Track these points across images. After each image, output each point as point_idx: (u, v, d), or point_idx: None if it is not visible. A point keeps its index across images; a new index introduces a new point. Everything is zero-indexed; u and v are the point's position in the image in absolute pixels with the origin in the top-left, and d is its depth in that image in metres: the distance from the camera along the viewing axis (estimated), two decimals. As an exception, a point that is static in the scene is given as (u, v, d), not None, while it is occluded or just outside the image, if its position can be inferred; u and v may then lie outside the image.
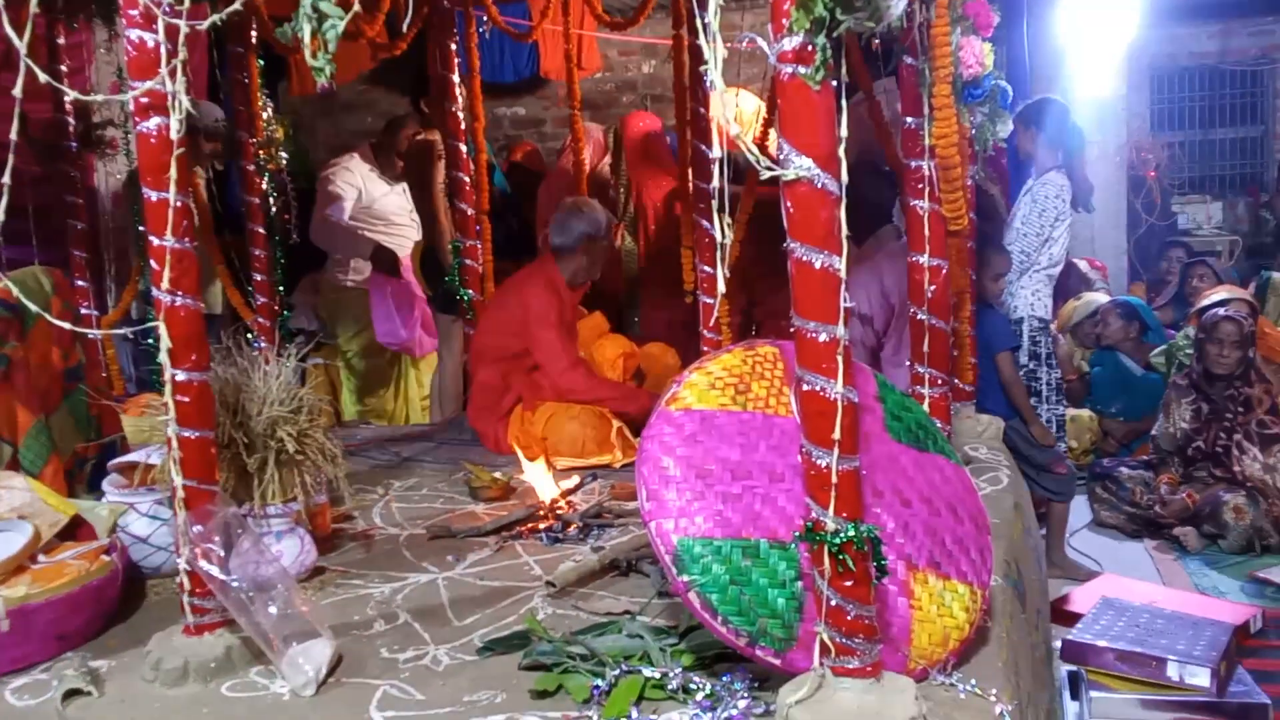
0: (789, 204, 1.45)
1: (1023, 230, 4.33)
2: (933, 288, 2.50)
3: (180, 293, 1.90)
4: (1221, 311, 4.60)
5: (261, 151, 4.01)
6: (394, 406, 5.03)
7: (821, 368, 1.48)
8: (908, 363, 2.75)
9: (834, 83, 1.41)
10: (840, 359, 1.47)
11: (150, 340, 1.92)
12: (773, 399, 1.87)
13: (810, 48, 1.38)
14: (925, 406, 2.57)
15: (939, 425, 2.46)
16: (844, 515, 1.49)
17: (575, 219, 3.68)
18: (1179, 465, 4.59)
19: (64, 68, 3.83)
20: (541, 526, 2.68)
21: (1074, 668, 3.02)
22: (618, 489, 2.99)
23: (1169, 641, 2.95)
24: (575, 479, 3.12)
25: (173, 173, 1.86)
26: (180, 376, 1.89)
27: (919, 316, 2.55)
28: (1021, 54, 5.02)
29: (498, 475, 3.07)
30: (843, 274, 1.46)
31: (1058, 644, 3.06)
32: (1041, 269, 4.35)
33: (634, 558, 2.34)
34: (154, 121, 1.85)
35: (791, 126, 1.43)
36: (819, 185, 1.43)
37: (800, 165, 1.42)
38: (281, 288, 4.03)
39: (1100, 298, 5.89)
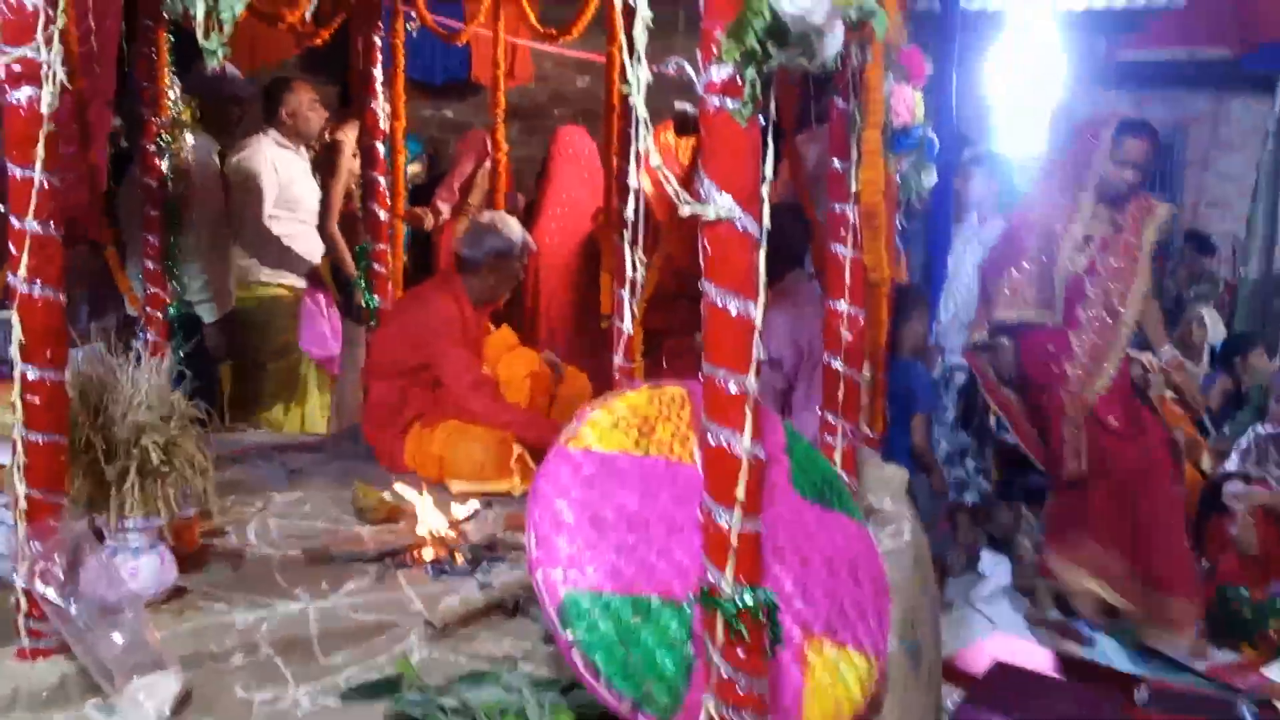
0: (706, 244, 1.36)
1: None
2: (848, 336, 2.44)
3: (40, 281, 1.75)
4: None
5: (164, 132, 3.78)
6: (286, 415, 4.76)
7: (728, 419, 1.39)
8: (818, 409, 2.69)
9: (761, 120, 1.32)
10: (749, 412, 1.38)
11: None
12: (677, 445, 1.77)
13: (739, 80, 1.29)
14: (835, 457, 2.52)
15: (845, 478, 2.40)
16: (741, 580, 1.39)
17: (488, 234, 3.52)
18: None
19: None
20: (428, 557, 2.54)
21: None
22: (513, 519, 2.86)
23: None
24: (469, 506, 2.97)
25: (40, 150, 1.70)
26: (31, 374, 1.73)
27: (833, 365, 2.48)
28: (949, 106, 5.05)
29: (386, 496, 2.91)
30: (758, 322, 1.38)
31: (949, 703, 3.03)
32: None
33: (522, 597, 2.22)
34: (24, 92, 1.70)
35: (714, 161, 1.34)
36: (740, 227, 1.34)
37: (721, 204, 1.33)
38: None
39: None
